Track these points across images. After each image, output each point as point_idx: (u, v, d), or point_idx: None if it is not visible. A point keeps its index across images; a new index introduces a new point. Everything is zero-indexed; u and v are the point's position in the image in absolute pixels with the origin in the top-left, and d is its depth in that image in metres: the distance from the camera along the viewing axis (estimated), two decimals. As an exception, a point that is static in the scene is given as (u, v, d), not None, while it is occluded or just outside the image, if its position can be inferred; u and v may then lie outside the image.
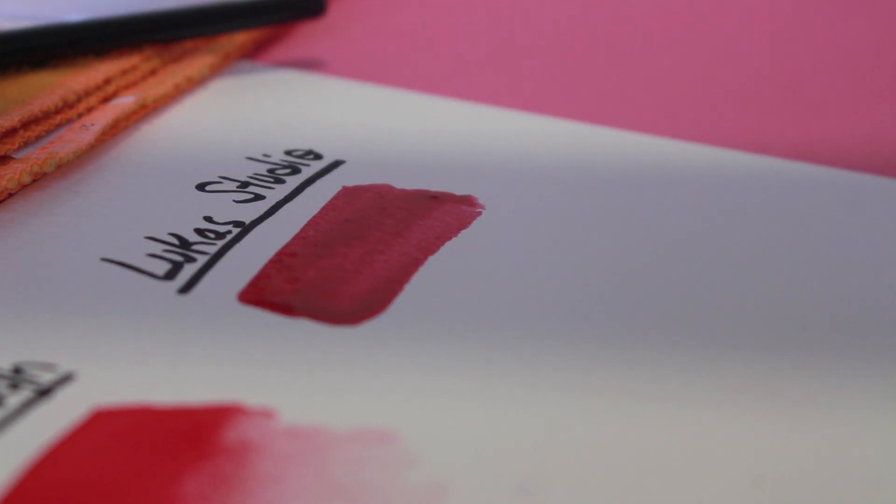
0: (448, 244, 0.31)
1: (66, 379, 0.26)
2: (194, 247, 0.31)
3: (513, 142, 0.36)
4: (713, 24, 0.46)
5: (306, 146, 0.36)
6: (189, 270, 0.30)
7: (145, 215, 0.32)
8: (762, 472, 0.24)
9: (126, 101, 0.37)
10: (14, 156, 0.34)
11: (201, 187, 0.33)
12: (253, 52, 0.42)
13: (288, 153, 0.35)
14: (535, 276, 0.30)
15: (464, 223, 0.32)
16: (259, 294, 0.29)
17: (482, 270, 0.30)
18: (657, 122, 0.38)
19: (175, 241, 0.31)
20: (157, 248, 0.31)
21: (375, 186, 0.34)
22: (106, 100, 0.37)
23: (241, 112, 0.38)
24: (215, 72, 0.40)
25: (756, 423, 0.25)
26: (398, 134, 0.37)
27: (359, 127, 0.37)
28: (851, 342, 0.28)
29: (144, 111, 0.37)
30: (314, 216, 0.32)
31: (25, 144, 0.35)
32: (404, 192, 0.33)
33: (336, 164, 0.35)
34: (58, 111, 0.36)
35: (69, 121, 0.36)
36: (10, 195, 0.33)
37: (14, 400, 0.26)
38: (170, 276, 0.30)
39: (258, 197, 0.33)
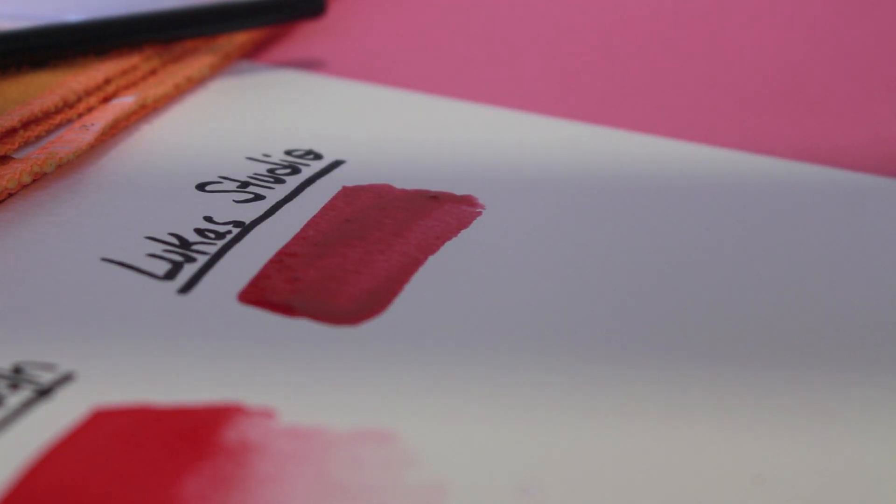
0: (448, 244, 0.31)
1: (66, 379, 0.26)
2: (194, 247, 0.31)
3: (513, 142, 0.36)
4: (713, 24, 0.46)
5: (306, 146, 0.36)
6: (189, 270, 0.30)
7: (145, 215, 0.32)
8: (762, 472, 0.24)
9: (126, 101, 0.37)
10: (14, 156, 0.34)
11: (201, 187, 0.33)
12: (253, 52, 0.42)
13: (288, 153, 0.35)
14: (535, 276, 0.30)
15: (464, 223, 0.32)
16: (259, 294, 0.29)
17: (482, 270, 0.30)
18: (657, 122, 0.38)
19: (175, 241, 0.31)
20: (157, 248, 0.31)
21: (375, 186, 0.34)
22: (106, 100, 0.37)
23: (241, 112, 0.38)
24: (215, 72, 0.40)
25: (756, 423, 0.25)
26: (398, 134, 0.37)
27: (359, 127, 0.37)
28: (851, 342, 0.28)
29: (144, 111, 0.37)
30: (314, 216, 0.32)
31: (25, 144, 0.35)
32: (404, 192, 0.33)
33: (336, 164, 0.35)
34: (58, 111, 0.36)
35: (69, 121, 0.36)
36: (10, 195, 0.33)
37: (14, 400, 0.26)
38: (170, 276, 0.30)
39: (258, 197, 0.33)
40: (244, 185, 0.33)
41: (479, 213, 0.32)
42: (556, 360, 0.27)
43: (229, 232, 0.31)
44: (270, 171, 0.34)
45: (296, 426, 0.25)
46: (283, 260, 0.30)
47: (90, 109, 0.37)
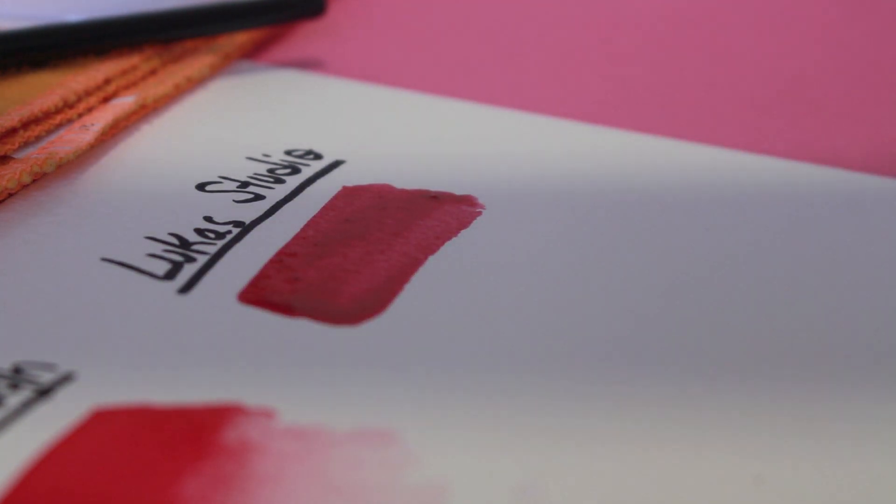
0: (448, 244, 0.31)
1: (66, 379, 0.26)
2: (194, 247, 0.31)
3: (513, 142, 0.36)
4: (714, 24, 0.46)
5: (306, 146, 0.36)
6: (189, 270, 0.30)
7: (145, 215, 0.32)
8: (762, 472, 0.24)
9: (126, 101, 0.37)
10: (14, 156, 0.34)
11: (201, 187, 0.33)
12: (253, 52, 0.42)
13: (288, 153, 0.35)
14: (535, 276, 0.30)
15: (464, 223, 0.32)
16: (259, 294, 0.29)
17: (482, 270, 0.30)
18: (657, 122, 0.38)
19: (175, 241, 0.31)
20: (157, 248, 0.31)
21: (375, 186, 0.34)
22: (106, 100, 0.37)
23: (241, 112, 0.38)
24: (215, 72, 0.40)
25: (756, 423, 0.25)
26: (398, 134, 0.37)
27: (359, 127, 0.37)
28: (851, 342, 0.28)
29: (144, 111, 0.37)
30: (314, 216, 0.32)
31: (25, 144, 0.35)
32: (404, 192, 0.33)
33: (336, 164, 0.35)
34: (58, 111, 0.36)
35: (69, 121, 0.36)
36: (10, 195, 0.33)
37: (14, 400, 0.26)
38: (170, 276, 0.30)
39: (258, 197, 0.33)
40: (244, 185, 0.33)
41: (479, 213, 0.32)
42: (556, 359, 0.27)
43: (229, 232, 0.31)
44: (270, 171, 0.34)
45: (296, 426, 0.25)
46: (283, 260, 0.30)
47: (90, 109, 0.37)
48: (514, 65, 0.42)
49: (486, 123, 0.38)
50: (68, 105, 0.36)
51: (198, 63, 0.40)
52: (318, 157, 0.35)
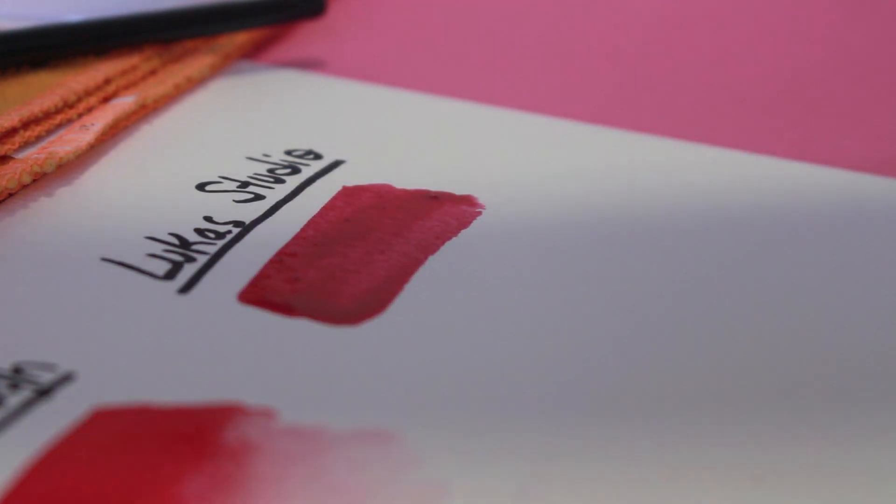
0: (448, 244, 0.31)
1: (66, 379, 0.26)
2: (194, 247, 0.31)
3: (513, 142, 0.36)
4: (713, 24, 0.46)
5: (306, 146, 0.36)
6: (189, 270, 0.30)
7: (145, 215, 0.32)
8: (762, 472, 0.24)
9: (126, 101, 0.37)
10: (14, 156, 0.34)
11: (201, 187, 0.33)
12: (253, 52, 0.42)
13: (288, 153, 0.35)
14: (535, 276, 0.30)
15: (464, 223, 0.32)
16: (259, 294, 0.29)
17: (482, 270, 0.30)
18: (657, 122, 0.38)
19: (175, 240, 0.31)
20: (157, 248, 0.31)
21: (375, 186, 0.34)
22: (106, 100, 0.37)
23: (241, 112, 0.38)
24: (215, 72, 0.40)
25: (756, 423, 0.25)
26: (398, 134, 0.37)
27: (359, 127, 0.37)
28: (851, 342, 0.28)
29: (144, 111, 0.37)
30: (314, 216, 0.32)
31: (25, 144, 0.35)
32: (404, 192, 0.33)
33: (336, 164, 0.35)
34: (58, 111, 0.36)
35: (69, 121, 0.36)
36: (10, 195, 0.33)
37: (14, 400, 0.26)
38: (170, 276, 0.30)
39: (258, 197, 0.33)
40: (244, 185, 0.33)
41: (479, 213, 0.32)
42: (556, 359, 0.27)
43: (229, 232, 0.31)
44: (270, 171, 0.34)
45: (296, 426, 0.25)
46: (283, 260, 0.30)
47: (90, 109, 0.37)
48: (514, 65, 0.42)
49: (486, 123, 0.38)
50: (68, 105, 0.36)
51: (198, 63, 0.40)
52: (318, 157, 0.35)
